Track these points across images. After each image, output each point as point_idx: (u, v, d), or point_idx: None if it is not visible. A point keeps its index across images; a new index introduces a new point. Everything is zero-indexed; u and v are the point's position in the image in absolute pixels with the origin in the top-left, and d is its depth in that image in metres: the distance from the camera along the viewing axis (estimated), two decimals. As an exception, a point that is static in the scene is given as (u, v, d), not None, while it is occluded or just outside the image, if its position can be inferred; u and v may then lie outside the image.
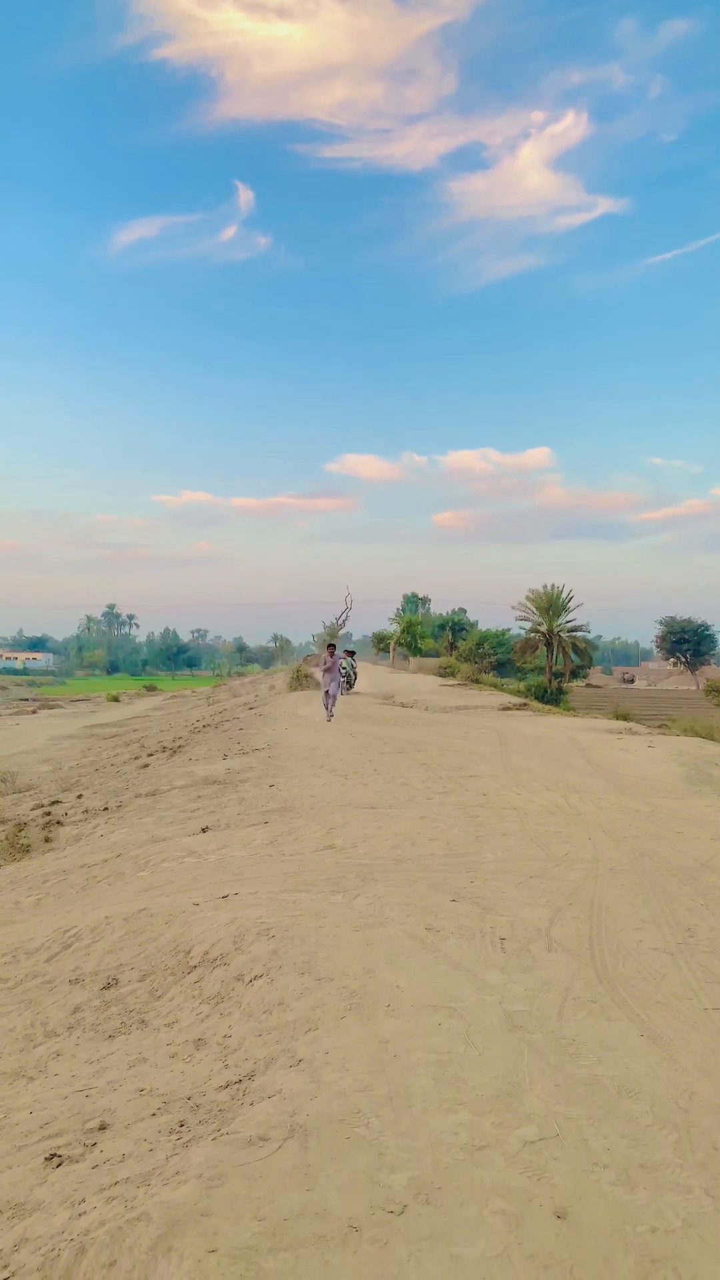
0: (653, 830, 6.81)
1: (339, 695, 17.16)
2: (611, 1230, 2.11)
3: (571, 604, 46.75)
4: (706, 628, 71.22)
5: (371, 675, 42.19)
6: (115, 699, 55.04)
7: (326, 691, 16.47)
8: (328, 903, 4.79)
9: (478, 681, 36.95)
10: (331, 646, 16.98)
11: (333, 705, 16.42)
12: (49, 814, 10.23)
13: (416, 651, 64.79)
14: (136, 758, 15.72)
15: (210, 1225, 2.10)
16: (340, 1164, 2.35)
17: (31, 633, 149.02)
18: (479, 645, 59.71)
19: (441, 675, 43.01)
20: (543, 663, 47.97)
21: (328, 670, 16.51)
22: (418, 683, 34.58)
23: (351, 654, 16.83)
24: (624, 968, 3.85)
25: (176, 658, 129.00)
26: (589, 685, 56.82)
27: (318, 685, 26.22)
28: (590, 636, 50.20)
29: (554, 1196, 2.22)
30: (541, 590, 47.19)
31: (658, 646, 77.58)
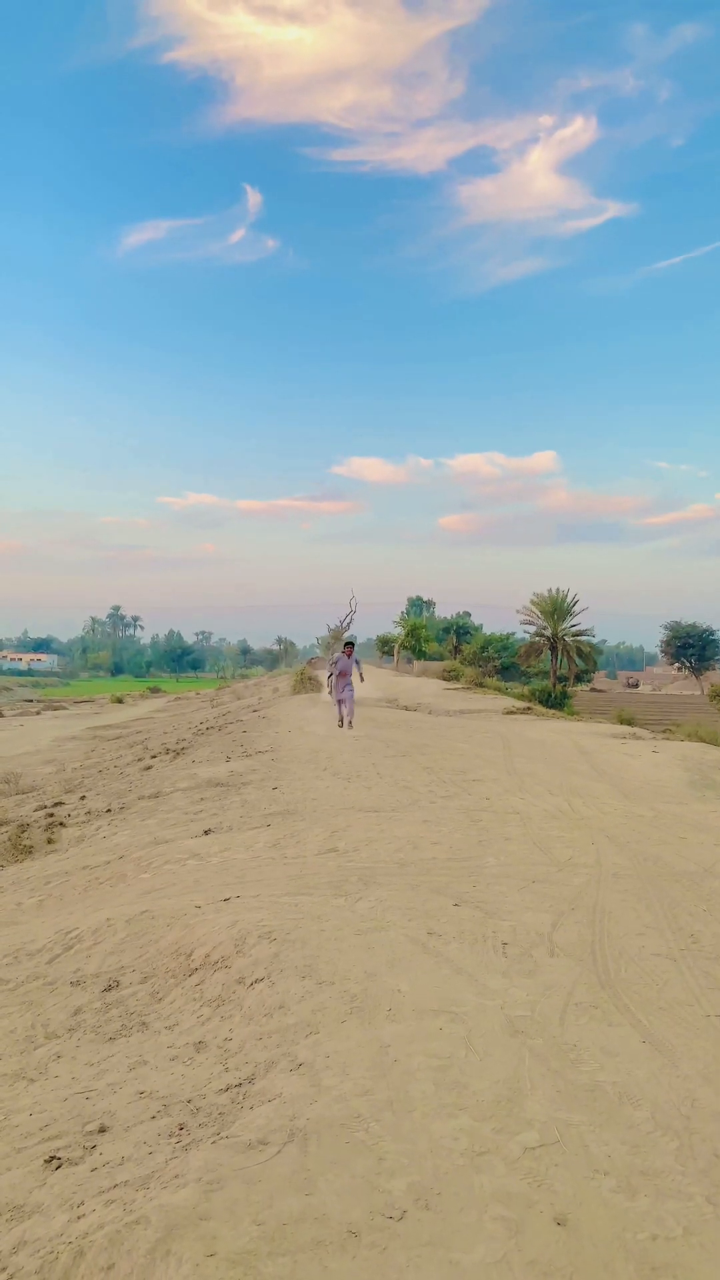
0: (656, 835, 6.79)
1: (352, 701, 14.59)
2: (612, 1237, 2.10)
3: (576, 608, 46.78)
4: (711, 633, 71.10)
5: (375, 678, 42.15)
6: (119, 701, 55.10)
7: (340, 700, 14.40)
8: (329, 906, 4.78)
9: (482, 685, 36.87)
10: (350, 645, 14.58)
11: (350, 714, 14.24)
12: (52, 815, 10.24)
13: (420, 655, 64.75)
14: (140, 759, 15.73)
15: (209, 1229, 2.10)
16: (340, 1169, 2.34)
17: (36, 634, 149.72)
18: (483, 649, 59.65)
19: (445, 679, 42.95)
20: (547, 667, 47.94)
21: (340, 674, 14.30)
22: (421, 686, 34.56)
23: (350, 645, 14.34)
24: (626, 973, 3.84)
25: (180, 660, 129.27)
26: (593, 689, 56.73)
27: (320, 687, 25.58)
28: (595, 641, 50.00)
29: (554, 1203, 2.21)
30: (546, 594, 47.20)
31: (662, 651, 77.45)
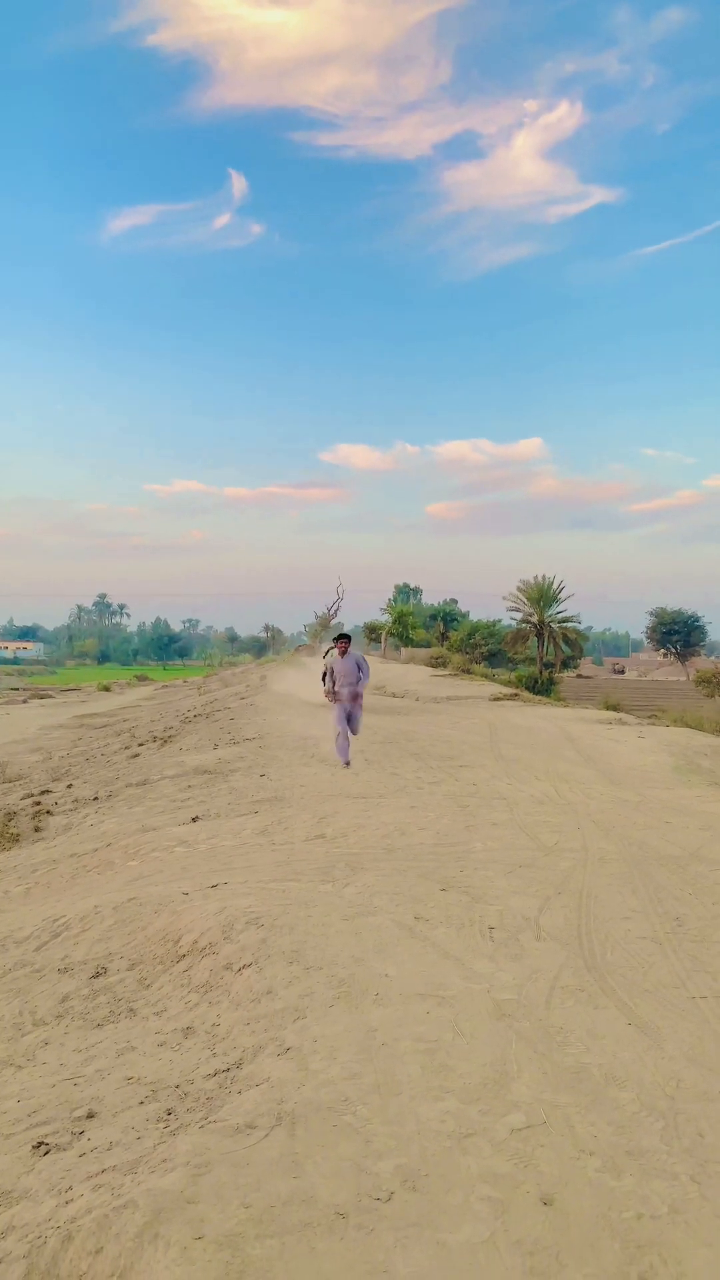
0: (642, 820, 6.85)
1: (359, 719, 10.02)
2: (597, 1217, 2.12)
3: (562, 595, 46.85)
4: (696, 619, 71.59)
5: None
6: (106, 688, 54.67)
7: (345, 716, 9.66)
8: (317, 892, 4.79)
9: (469, 672, 36.99)
10: (345, 638, 9.89)
11: (346, 740, 9.69)
12: (39, 803, 10.20)
13: (408, 642, 64.78)
14: (127, 747, 15.67)
15: (197, 1212, 2.10)
16: (327, 1151, 2.35)
17: (22, 622, 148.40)
18: (470, 636, 59.82)
19: (433, 665, 43.02)
20: (533, 653, 48.07)
21: (338, 678, 9.60)
22: (409, 673, 34.59)
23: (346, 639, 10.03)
24: (612, 956, 3.87)
25: (168, 647, 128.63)
26: (579, 676, 57.02)
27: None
28: (581, 627, 50.09)
29: (540, 1183, 2.23)
30: (532, 581, 47.22)
31: (648, 637, 77.91)
